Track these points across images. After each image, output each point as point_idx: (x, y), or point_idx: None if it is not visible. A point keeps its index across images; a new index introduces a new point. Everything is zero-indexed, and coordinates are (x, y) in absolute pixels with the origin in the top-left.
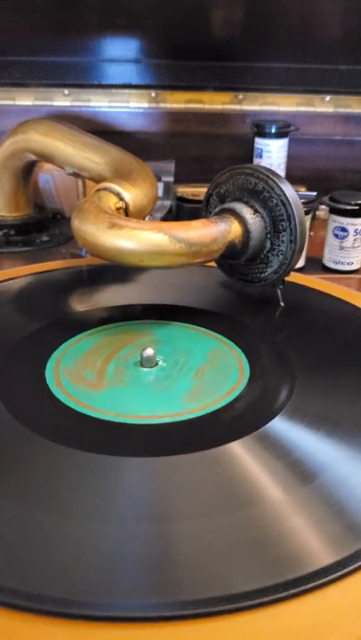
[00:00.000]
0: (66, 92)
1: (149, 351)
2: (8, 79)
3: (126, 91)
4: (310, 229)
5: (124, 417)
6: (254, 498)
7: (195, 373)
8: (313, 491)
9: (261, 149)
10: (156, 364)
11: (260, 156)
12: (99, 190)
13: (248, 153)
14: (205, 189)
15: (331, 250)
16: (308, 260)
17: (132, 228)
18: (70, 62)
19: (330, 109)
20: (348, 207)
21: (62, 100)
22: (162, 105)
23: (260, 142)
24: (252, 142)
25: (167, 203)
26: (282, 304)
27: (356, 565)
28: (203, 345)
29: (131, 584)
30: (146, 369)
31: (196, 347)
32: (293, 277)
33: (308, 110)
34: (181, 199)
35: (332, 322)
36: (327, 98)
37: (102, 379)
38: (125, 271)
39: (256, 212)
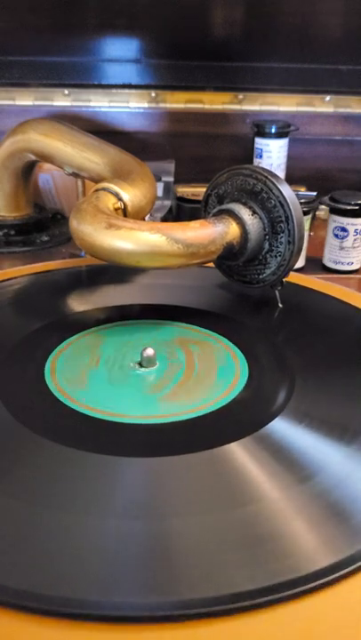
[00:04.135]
0: (66, 92)
1: (149, 351)
2: (8, 79)
3: (126, 91)
4: (310, 229)
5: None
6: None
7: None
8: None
9: (261, 149)
10: (156, 363)
11: (260, 157)
12: (97, 190)
13: (248, 153)
14: (205, 189)
15: (331, 250)
16: (308, 260)
17: (129, 228)
18: (70, 62)
19: (330, 109)
20: (349, 207)
21: (62, 100)
22: (162, 105)
23: (260, 142)
24: (252, 142)
25: (167, 203)
26: (280, 305)
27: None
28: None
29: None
30: (146, 369)
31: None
32: (293, 278)
33: (308, 110)
34: (181, 199)
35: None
36: (327, 98)
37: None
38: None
39: (254, 213)
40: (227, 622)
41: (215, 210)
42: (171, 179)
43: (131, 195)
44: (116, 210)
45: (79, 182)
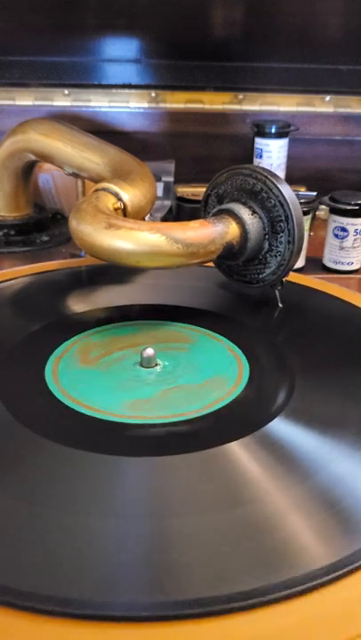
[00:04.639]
0: (66, 91)
1: (149, 351)
2: (8, 79)
3: (126, 91)
4: (310, 229)
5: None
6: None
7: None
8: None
9: (261, 149)
10: (156, 364)
11: (260, 157)
12: (97, 190)
13: (248, 153)
14: (205, 189)
15: (331, 250)
16: (308, 259)
17: (129, 228)
18: (70, 62)
19: (330, 109)
20: (349, 207)
21: (62, 100)
22: (162, 105)
23: (260, 142)
24: (252, 142)
25: (167, 203)
26: (280, 305)
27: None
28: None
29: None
30: (146, 369)
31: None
32: (293, 277)
33: (308, 110)
34: (181, 199)
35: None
36: (327, 98)
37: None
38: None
39: (254, 212)
40: (226, 622)
41: (215, 210)
42: (171, 179)
43: (130, 195)
44: (116, 210)
45: (79, 182)
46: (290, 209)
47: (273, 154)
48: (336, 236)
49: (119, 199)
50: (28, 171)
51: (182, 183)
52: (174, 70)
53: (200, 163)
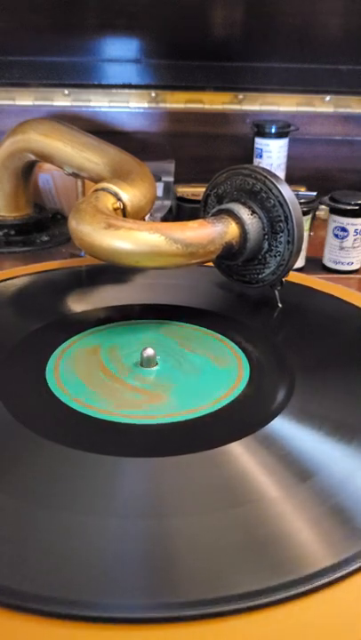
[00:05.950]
0: (66, 91)
1: (149, 351)
2: (8, 79)
3: (126, 91)
4: (310, 229)
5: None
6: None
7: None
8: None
9: (261, 149)
10: (156, 363)
11: (260, 156)
12: (96, 190)
13: (248, 153)
14: (205, 189)
15: (331, 250)
16: (308, 259)
17: (128, 228)
18: (70, 62)
19: (330, 109)
20: (349, 207)
21: (62, 100)
22: (162, 105)
23: (260, 142)
24: (252, 142)
25: (167, 203)
26: (280, 305)
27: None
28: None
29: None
30: (146, 369)
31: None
32: (293, 277)
33: (308, 110)
34: (181, 199)
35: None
36: (327, 98)
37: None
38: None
39: (254, 212)
40: (226, 623)
41: (214, 210)
42: (171, 179)
43: (130, 195)
44: (116, 210)
45: (79, 182)
46: (289, 209)
47: (273, 154)
48: (336, 236)
49: (119, 199)
50: (28, 171)
51: (182, 183)
52: (174, 70)
53: (200, 163)
